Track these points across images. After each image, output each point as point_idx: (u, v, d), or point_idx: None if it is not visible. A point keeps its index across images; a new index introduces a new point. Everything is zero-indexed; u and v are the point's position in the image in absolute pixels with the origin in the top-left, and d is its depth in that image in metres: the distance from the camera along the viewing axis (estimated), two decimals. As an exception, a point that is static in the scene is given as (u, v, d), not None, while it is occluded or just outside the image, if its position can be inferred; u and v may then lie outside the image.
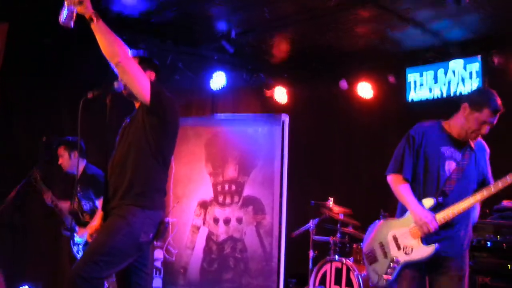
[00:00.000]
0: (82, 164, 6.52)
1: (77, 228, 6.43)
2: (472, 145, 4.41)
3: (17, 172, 6.91)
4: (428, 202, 4.28)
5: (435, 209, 4.24)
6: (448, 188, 4.30)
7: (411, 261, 4.26)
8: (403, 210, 4.44)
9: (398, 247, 4.35)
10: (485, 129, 4.29)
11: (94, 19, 3.74)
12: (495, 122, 4.29)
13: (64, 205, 6.67)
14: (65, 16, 3.76)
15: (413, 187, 4.42)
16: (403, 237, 4.33)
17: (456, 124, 4.41)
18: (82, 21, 3.80)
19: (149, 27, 7.97)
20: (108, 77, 4.11)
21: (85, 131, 4.16)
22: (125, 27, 7.59)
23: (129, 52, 4.03)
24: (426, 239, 4.20)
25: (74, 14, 3.78)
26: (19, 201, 6.42)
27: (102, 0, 7.02)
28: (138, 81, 3.96)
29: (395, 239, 4.39)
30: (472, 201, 4.22)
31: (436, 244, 4.19)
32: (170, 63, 8.66)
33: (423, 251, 4.22)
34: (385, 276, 4.36)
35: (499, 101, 4.31)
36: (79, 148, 5.78)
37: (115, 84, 4.11)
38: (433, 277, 4.32)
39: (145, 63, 4.31)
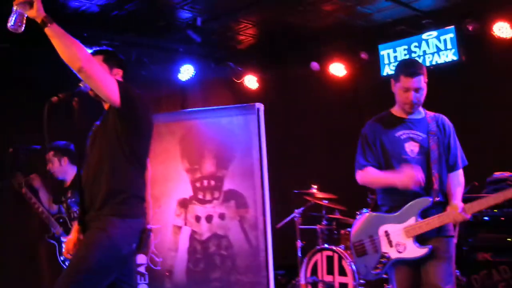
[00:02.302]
0: (74, 169, 6.26)
1: (65, 237, 6.15)
2: (429, 120, 4.39)
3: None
4: (424, 202, 4.20)
5: (432, 208, 4.20)
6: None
7: (403, 259, 4.22)
8: (384, 203, 4.43)
9: (390, 244, 4.27)
10: (411, 96, 4.25)
11: (47, 22, 3.44)
12: (420, 85, 4.25)
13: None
14: (13, 21, 3.47)
15: None
16: (396, 234, 4.23)
17: (396, 104, 4.45)
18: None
19: (110, 21, 7.70)
20: (73, 77, 3.78)
21: (54, 136, 3.87)
22: (84, 23, 7.37)
23: (90, 53, 3.75)
24: (419, 241, 4.18)
25: (24, 18, 3.49)
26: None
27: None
28: (104, 85, 3.67)
29: (387, 235, 4.29)
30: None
31: (430, 246, 4.14)
32: (135, 59, 8.41)
33: (416, 252, 4.17)
34: (374, 270, 4.34)
35: (412, 64, 4.35)
36: (68, 153, 5.90)
37: (81, 84, 3.84)
38: (421, 261, 4.22)
39: (110, 60, 4.06)
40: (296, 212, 7.69)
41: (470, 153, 4.50)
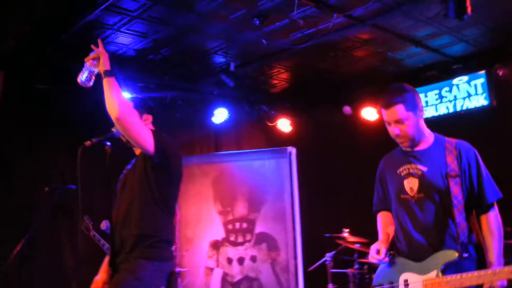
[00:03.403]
0: None
1: None
2: (441, 148, 3.80)
3: (17, 224, 6.75)
4: (450, 256, 3.60)
5: (460, 264, 3.57)
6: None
7: None
8: (406, 247, 3.85)
9: None
10: (392, 130, 3.79)
11: (107, 76, 3.79)
12: (399, 116, 3.71)
13: None
14: (85, 77, 3.90)
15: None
16: (414, 285, 3.70)
17: None
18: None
19: (146, 65, 7.85)
20: (108, 122, 3.93)
21: (86, 179, 3.98)
22: (121, 67, 7.51)
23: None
24: None
25: (94, 75, 3.92)
26: (25, 255, 6.19)
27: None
28: (139, 136, 3.84)
29: (406, 284, 3.76)
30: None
31: None
32: (170, 101, 8.55)
33: None
34: None
35: (388, 93, 3.79)
36: None
37: (114, 130, 3.99)
38: None
39: (140, 107, 4.23)
40: (328, 256, 7.61)
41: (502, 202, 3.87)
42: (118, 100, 3.72)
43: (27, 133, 7.46)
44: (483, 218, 3.69)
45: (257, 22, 6.42)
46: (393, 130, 3.79)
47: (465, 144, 3.81)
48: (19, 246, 5.98)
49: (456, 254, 3.56)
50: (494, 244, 3.62)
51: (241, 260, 7.52)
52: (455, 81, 8.26)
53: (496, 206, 3.73)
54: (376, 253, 3.84)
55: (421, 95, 8.55)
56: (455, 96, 8.24)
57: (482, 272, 3.39)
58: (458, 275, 3.46)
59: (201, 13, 6.33)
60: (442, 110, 8.34)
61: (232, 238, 7.60)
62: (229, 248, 7.60)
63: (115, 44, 7.14)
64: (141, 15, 6.29)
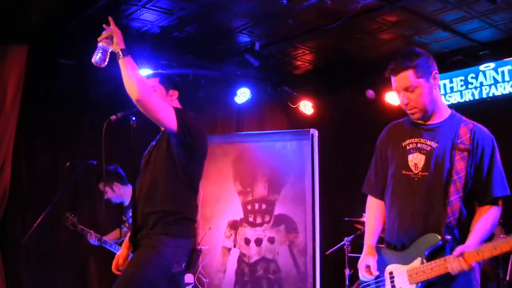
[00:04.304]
0: (129, 189, 6.29)
1: None
2: (456, 127, 3.42)
3: (40, 198, 6.87)
4: (433, 239, 3.24)
5: (445, 248, 3.23)
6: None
7: None
8: (392, 235, 3.50)
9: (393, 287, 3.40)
10: (401, 99, 3.40)
11: (123, 55, 3.73)
12: (408, 83, 3.33)
13: (111, 236, 6.68)
14: (98, 57, 3.81)
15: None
16: (400, 278, 3.34)
17: None
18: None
19: (170, 42, 7.82)
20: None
21: (109, 155, 3.97)
22: (145, 43, 7.50)
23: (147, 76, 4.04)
24: None
25: (108, 54, 3.83)
26: (44, 229, 6.23)
27: (122, 16, 6.87)
28: (161, 115, 3.78)
29: (391, 275, 3.40)
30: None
31: None
32: (193, 80, 8.53)
33: None
34: None
35: (396, 58, 3.42)
36: (117, 176, 6.03)
37: (139, 105, 3.91)
38: None
39: (166, 82, 4.18)
40: (346, 240, 7.56)
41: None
42: (137, 80, 3.67)
43: (51, 108, 7.48)
44: (482, 209, 3.29)
45: (285, 1, 6.34)
46: (400, 99, 3.42)
47: (482, 128, 3.41)
48: (39, 219, 6.03)
49: (439, 237, 3.20)
50: (480, 232, 3.21)
51: (258, 241, 7.52)
52: (482, 67, 8.14)
53: (500, 203, 3.31)
54: (366, 271, 3.49)
55: (446, 81, 8.47)
56: (481, 83, 8.13)
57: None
58: (443, 259, 3.14)
59: (228, -10, 6.29)
60: (468, 96, 8.23)
61: (250, 219, 7.59)
62: (247, 228, 7.59)
63: (140, 21, 7.12)
64: (167, -9, 6.26)
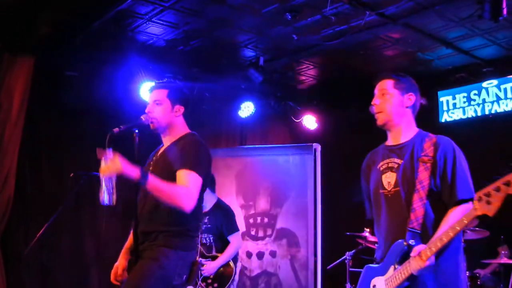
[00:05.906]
0: (214, 198, 6.37)
1: (203, 261, 6.17)
2: (420, 142, 3.54)
3: (44, 208, 6.84)
4: (399, 246, 3.38)
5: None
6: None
7: None
8: (378, 251, 3.64)
9: None
10: (374, 100, 3.65)
11: (143, 182, 3.57)
12: (383, 88, 3.60)
13: None
14: (107, 198, 3.49)
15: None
16: None
17: None
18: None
19: (175, 55, 7.88)
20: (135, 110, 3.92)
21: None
22: (151, 56, 7.54)
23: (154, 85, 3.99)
24: None
25: (115, 189, 3.51)
26: (47, 239, 6.25)
27: (129, 29, 6.94)
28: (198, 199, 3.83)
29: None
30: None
31: None
32: (198, 93, 8.57)
33: None
34: None
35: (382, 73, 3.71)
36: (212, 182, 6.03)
37: (143, 117, 3.93)
38: None
39: (174, 96, 4.08)
40: (348, 255, 7.57)
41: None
42: (175, 196, 3.68)
43: (55, 119, 7.52)
44: (449, 211, 3.34)
45: (289, 16, 6.41)
46: (374, 99, 3.64)
47: (444, 138, 3.56)
48: (42, 230, 6.04)
49: (404, 243, 3.33)
50: (440, 231, 3.27)
51: (260, 255, 7.53)
52: (485, 84, 8.18)
53: (466, 205, 3.32)
54: None
55: (449, 97, 8.49)
56: (483, 100, 8.16)
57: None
58: (407, 262, 3.26)
59: (233, 5, 6.33)
60: (470, 113, 8.24)
61: (252, 232, 7.61)
62: (249, 242, 7.61)
63: (146, 34, 7.18)
64: (173, 6, 6.31)
